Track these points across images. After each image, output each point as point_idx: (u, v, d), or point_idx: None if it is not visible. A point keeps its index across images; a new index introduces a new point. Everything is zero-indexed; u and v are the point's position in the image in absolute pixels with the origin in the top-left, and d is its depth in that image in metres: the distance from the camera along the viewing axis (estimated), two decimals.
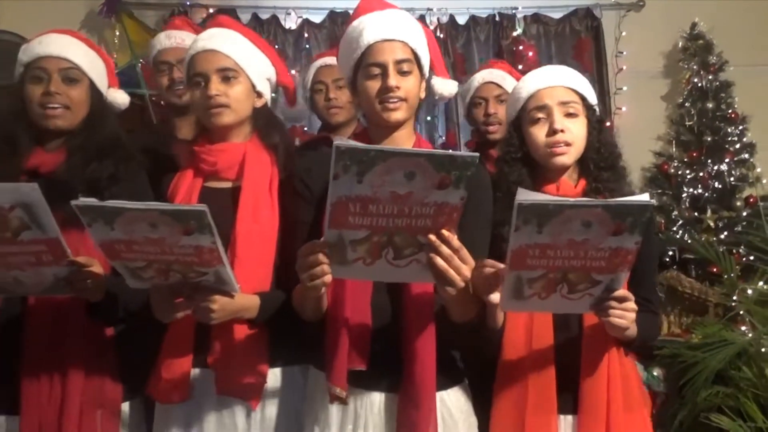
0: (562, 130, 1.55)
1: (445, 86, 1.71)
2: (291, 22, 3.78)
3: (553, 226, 1.19)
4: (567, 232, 1.20)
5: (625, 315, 1.35)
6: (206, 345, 1.56)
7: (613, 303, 1.33)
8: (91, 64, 1.71)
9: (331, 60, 2.51)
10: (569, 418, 1.54)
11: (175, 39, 2.32)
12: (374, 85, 1.50)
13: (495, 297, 1.34)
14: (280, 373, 1.62)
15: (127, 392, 1.66)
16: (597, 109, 1.66)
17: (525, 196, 1.22)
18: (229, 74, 1.62)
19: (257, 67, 1.69)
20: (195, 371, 1.58)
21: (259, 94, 1.70)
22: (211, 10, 3.65)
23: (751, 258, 3.07)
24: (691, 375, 2.63)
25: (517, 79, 2.43)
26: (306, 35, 3.77)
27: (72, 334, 1.58)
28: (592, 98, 1.64)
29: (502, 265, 1.30)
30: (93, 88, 1.70)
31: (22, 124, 1.65)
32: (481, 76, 2.62)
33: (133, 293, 1.46)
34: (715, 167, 3.57)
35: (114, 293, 1.54)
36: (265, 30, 3.73)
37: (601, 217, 1.19)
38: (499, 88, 2.54)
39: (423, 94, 1.58)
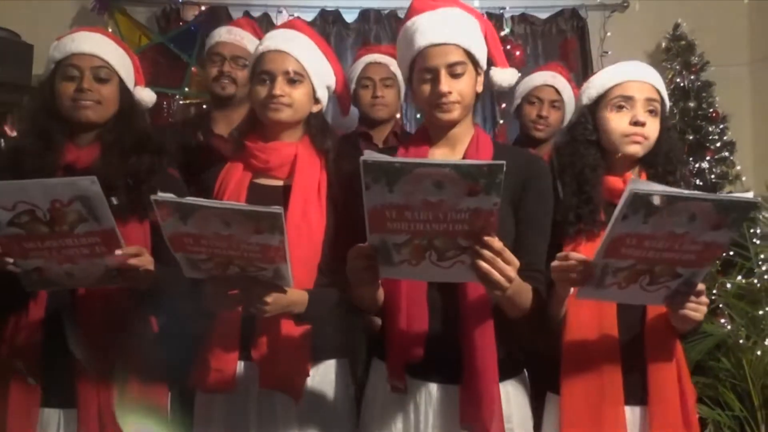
0: (643, 124, 1.58)
1: (505, 77, 1.69)
2: (282, 20, 3.78)
3: (660, 217, 1.17)
4: (671, 224, 1.18)
5: (699, 308, 1.37)
6: (250, 339, 1.57)
7: (692, 297, 1.34)
8: (121, 62, 1.73)
9: (381, 58, 2.53)
10: (637, 409, 1.55)
11: (235, 35, 2.38)
12: (427, 89, 1.51)
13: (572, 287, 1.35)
14: (323, 367, 1.64)
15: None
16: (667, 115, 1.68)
17: (639, 185, 1.18)
18: (295, 77, 1.64)
19: (321, 74, 1.71)
20: (239, 364, 1.60)
21: (317, 100, 1.71)
22: (203, 8, 3.66)
23: (731, 253, 3.12)
24: None
25: (575, 90, 2.45)
26: None
27: (122, 327, 1.59)
28: (667, 105, 1.68)
29: (583, 257, 1.30)
30: (122, 85, 1.72)
31: (54, 119, 1.67)
32: (542, 77, 2.63)
33: (175, 284, 1.48)
34: (697, 165, 3.62)
35: (159, 283, 1.55)
36: None
37: (707, 211, 1.17)
38: (557, 94, 2.58)
39: (480, 88, 1.57)
